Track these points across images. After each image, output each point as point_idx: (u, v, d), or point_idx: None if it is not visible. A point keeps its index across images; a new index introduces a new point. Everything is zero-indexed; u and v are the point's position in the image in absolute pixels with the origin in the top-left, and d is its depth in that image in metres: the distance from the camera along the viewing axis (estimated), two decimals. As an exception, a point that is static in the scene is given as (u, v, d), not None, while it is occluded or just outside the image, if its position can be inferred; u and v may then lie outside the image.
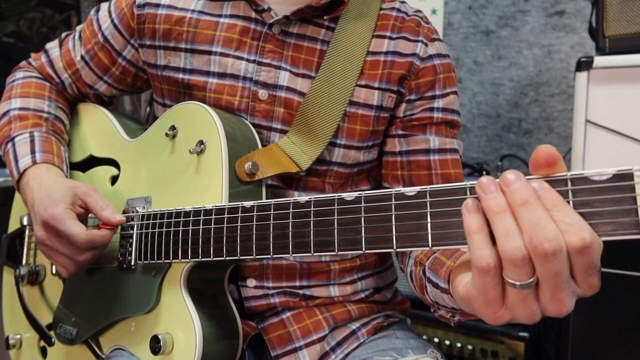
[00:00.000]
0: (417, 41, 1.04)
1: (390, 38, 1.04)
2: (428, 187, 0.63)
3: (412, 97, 1.04)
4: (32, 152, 1.05)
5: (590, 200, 0.53)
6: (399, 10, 1.07)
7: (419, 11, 1.10)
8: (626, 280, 1.45)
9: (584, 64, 1.53)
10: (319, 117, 0.99)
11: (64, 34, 1.23)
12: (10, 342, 1.19)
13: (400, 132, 1.05)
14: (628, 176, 0.52)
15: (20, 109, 1.13)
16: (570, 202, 0.54)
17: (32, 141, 1.07)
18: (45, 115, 1.14)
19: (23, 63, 1.25)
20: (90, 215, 1.06)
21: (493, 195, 0.56)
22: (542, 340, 1.82)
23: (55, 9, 2.90)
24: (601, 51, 1.58)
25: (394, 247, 0.65)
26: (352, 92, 1.00)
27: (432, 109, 1.04)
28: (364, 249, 0.67)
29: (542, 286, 0.55)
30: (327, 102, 0.99)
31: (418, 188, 0.64)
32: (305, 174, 1.01)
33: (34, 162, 1.04)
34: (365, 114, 1.02)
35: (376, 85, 1.02)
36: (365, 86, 1.01)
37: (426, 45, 1.04)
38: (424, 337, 1.79)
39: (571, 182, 0.55)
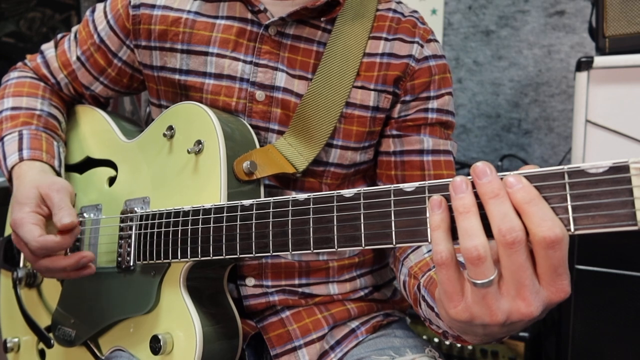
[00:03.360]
0: (413, 42, 1.04)
1: (386, 39, 1.04)
2: (427, 182, 0.64)
3: (407, 98, 1.04)
4: (20, 149, 1.05)
5: (587, 192, 0.54)
6: (395, 11, 1.07)
7: (415, 12, 1.10)
8: (626, 280, 1.45)
9: (584, 64, 1.53)
10: (316, 119, 0.99)
11: (59, 35, 1.23)
12: (8, 345, 1.18)
13: (394, 132, 1.05)
14: (624, 168, 0.52)
15: (12, 108, 1.13)
16: (567, 194, 0.55)
17: (20, 139, 1.07)
18: (37, 112, 1.13)
19: (19, 64, 1.25)
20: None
21: (461, 196, 0.59)
22: (542, 340, 1.82)
23: (55, 9, 2.90)
24: (601, 51, 1.58)
25: (393, 243, 0.65)
26: (349, 93, 1.00)
27: (426, 110, 1.04)
28: (363, 244, 0.68)
29: (507, 282, 0.58)
30: (324, 103, 0.99)
31: (416, 184, 0.65)
32: (301, 175, 1.01)
33: (21, 159, 1.04)
34: (361, 114, 1.02)
35: (372, 86, 1.02)
36: (362, 87, 1.02)
37: (422, 46, 1.04)
38: (424, 337, 1.78)
39: (568, 175, 0.55)
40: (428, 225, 0.63)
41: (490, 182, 0.57)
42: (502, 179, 0.58)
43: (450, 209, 0.61)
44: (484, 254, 0.56)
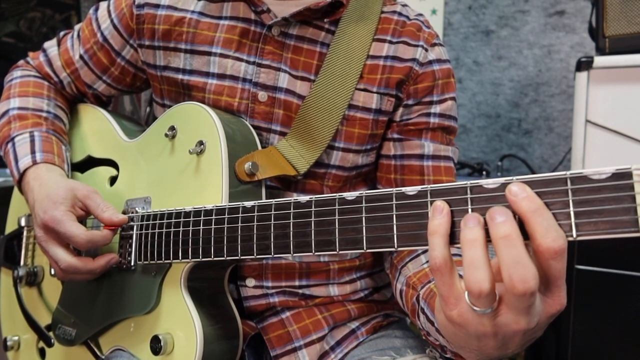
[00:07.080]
0: (417, 46, 1.03)
1: (391, 42, 1.03)
2: (429, 186, 0.63)
3: (410, 102, 1.03)
4: (32, 152, 1.05)
5: (589, 199, 0.54)
6: (400, 14, 1.07)
7: (421, 15, 1.09)
8: (626, 280, 1.45)
9: (584, 64, 1.53)
10: (318, 121, 0.98)
11: (62, 33, 1.22)
12: (9, 343, 1.19)
13: (395, 135, 1.05)
14: (627, 175, 0.52)
15: (20, 108, 1.13)
16: (570, 200, 0.55)
17: (32, 141, 1.07)
18: (44, 114, 1.13)
19: (21, 62, 1.24)
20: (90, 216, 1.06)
21: (471, 226, 0.57)
22: (542, 340, 1.82)
23: (55, 9, 2.90)
24: (601, 51, 1.58)
25: (395, 246, 0.65)
26: (352, 95, 1.00)
27: (428, 114, 1.04)
28: (365, 248, 0.67)
29: (507, 306, 0.57)
30: (326, 106, 0.98)
31: (419, 187, 0.64)
32: (303, 177, 1.01)
33: (34, 162, 1.04)
34: (364, 117, 1.02)
35: (375, 89, 1.02)
36: (364, 90, 1.01)
37: (426, 50, 1.04)
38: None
39: (571, 181, 0.55)
40: None
41: (504, 222, 0.55)
42: (504, 185, 0.57)
43: (452, 214, 0.60)
44: (487, 288, 0.55)
